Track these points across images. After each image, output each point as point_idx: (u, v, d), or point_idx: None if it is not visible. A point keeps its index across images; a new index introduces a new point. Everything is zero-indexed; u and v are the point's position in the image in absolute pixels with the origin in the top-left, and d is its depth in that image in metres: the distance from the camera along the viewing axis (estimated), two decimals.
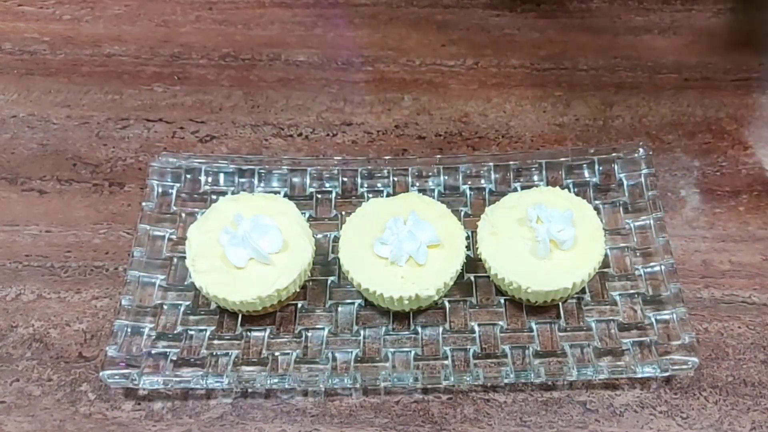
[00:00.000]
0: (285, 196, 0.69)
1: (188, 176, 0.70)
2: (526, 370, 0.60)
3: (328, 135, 0.75)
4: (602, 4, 0.85)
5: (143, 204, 0.67)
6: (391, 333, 0.63)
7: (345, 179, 0.70)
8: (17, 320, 0.64)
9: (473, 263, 0.65)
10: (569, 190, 0.67)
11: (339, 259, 0.63)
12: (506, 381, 0.60)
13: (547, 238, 0.61)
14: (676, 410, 0.59)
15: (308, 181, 0.70)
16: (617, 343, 0.62)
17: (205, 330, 0.63)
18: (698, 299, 0.64)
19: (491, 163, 0.70)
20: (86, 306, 0.65)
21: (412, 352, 0.62)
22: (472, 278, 0.65)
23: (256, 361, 0.61)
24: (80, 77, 0.79)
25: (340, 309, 0.64)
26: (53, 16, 0.84)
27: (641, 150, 0.69)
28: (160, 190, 0.69)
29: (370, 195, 0.69)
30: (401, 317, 0.63)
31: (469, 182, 0.70)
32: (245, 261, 0.61)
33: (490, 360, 0.61)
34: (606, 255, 0.62)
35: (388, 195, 0.69)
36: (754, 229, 0.68)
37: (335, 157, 0.71)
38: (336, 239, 0.66)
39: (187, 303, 0.64)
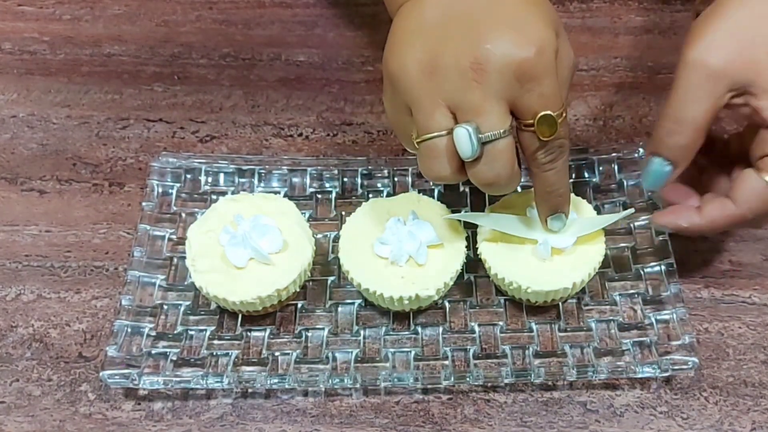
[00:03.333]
0: (285, 196, 0.69)
1: (188, 176, 0.70)
2: (526, 371, 0.60)
3: (328, 135, 0.75)
4: (602, 4, 0.84)
5: (143, 204, 0.67)
6: (391, 333, 0.63)
7: (345, 179, 0.70)
8: (17, 320, 0.64)
9: (473, 263, 0.65)
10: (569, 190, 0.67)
11: (339, 259, 0.63)
12: (506, 381, 0.60)
13: (547, 238, 0.60)
14: (676, 411, 0.59)
15: (308, 181, 0.70)
16: (617, 343, 0.62)
17: (205, 330, 0.63)
18: (698, 299, 0.64)
19: None
20: (86, 306, 0.64)
21: (412, 353, 0.62)
22: (472, 278, 0.65)
23: (256, 361, 0.61)
24: (80, 77, 0.79)
25: (340, 309, 0.64)
26: (53, 16, 0.84)
27: (641, 150, 0.69)
28: (160, 190, 0.69)
29: (370, 195, 0.69)
30: (401, 317, 0.63)
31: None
32: (245, 261, 0.61)
33: (490, 360, 0.61)
34: (606, 255, 0.62)
35: (388, 195, 0.69)
36: (754, 228, 0.68)
37: (335, 157, 0.71)
38: (336, 239, 0.66)
39: (187, 303, 0.64)
